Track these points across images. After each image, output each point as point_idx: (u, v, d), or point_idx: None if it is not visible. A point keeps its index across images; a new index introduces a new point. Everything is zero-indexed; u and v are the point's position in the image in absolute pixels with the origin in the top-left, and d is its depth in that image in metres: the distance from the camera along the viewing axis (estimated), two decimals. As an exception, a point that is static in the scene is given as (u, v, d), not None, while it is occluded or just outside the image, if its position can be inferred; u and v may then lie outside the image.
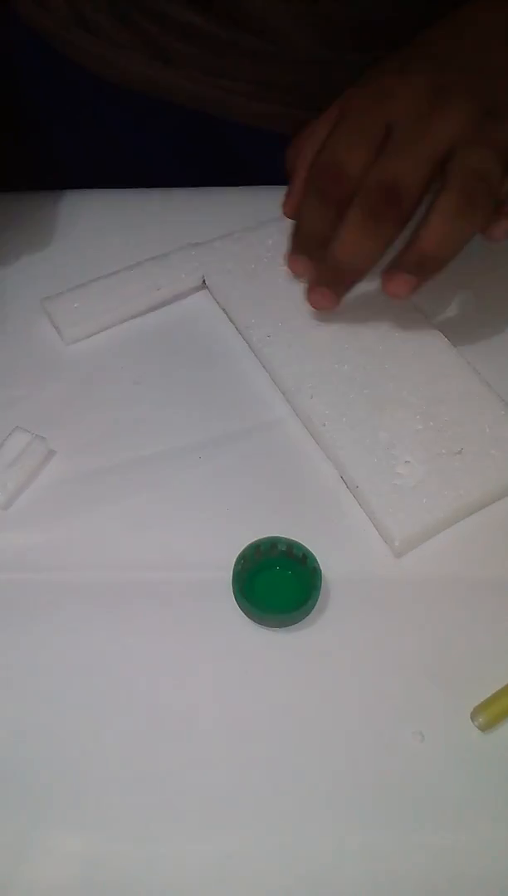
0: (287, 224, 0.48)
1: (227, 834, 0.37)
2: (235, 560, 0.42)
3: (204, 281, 0.53)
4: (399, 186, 0.41)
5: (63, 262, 0.56)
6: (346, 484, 0.45)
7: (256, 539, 0.43)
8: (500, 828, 0.37)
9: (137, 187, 0.59)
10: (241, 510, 0.45)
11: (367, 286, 0.48)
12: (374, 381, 0.48)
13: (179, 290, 0.53)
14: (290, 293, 0.51)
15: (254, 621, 0.42)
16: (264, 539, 0.43)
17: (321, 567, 0.42)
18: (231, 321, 0.52)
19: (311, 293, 0.47)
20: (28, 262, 0.56)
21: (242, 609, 0.42)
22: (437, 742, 0.39)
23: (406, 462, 0.45)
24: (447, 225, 0.42)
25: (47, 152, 0.66)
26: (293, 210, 0.47)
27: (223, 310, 0.52)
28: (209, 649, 0.41)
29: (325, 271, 0.46)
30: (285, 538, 0.43)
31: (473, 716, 0.39)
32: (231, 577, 0.42)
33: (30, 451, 0.46)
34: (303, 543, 0.42)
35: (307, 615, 0.42)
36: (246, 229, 0.54)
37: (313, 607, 0.41)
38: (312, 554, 0.42)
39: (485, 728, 0.38)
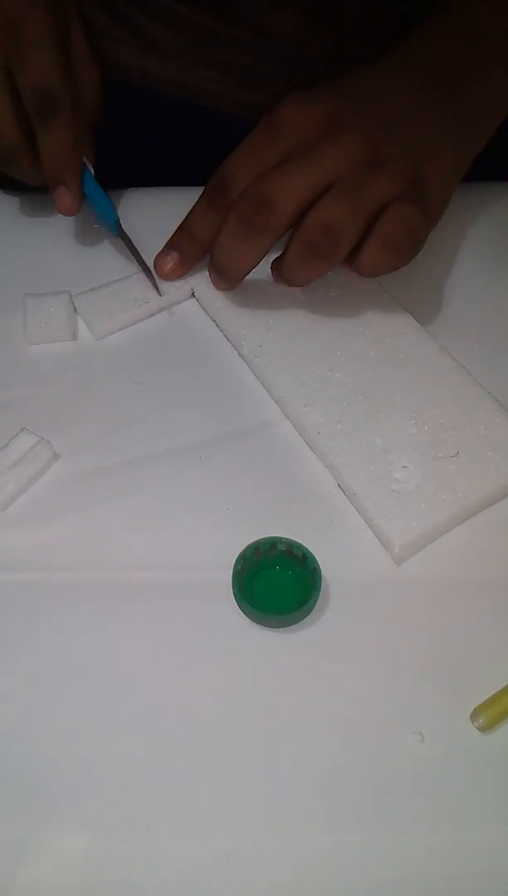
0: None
1: (227, 834, 0.37)
2: (235, 560, 0.42)
3: (193, 293, 0.54)
4: (272, 199, 0.45)
5: (64, 263, 0.56)
6: (343, 491, 0.45)
7: (256, 539, 0.43)
8: (500, 828, 0.37)
9: (126, 178, 0.59)
10: (241, 510, 0.45)
11: (359, 294, 0.49)
12: (367, 388, 0.48)
13: (168, 302, 0.53)
14: (279, 301, 0.52)
15: (254, 621, 0.42)
16: (264, 539, 0.43)
17: (321, 567, 0.42)
18: (222, 332, 0.52)
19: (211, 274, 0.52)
20: (24, 261, 0.56)
21: (242, 609, 0.42)
22: (437, 742, 0.39)
23: (403, 467, 0.45)
24: (291, 269, 0.46)
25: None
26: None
27: (214, 321, 0.53)
28: (209, 649, 0.41)
29: (211, 272, 0.52)
30: (285, 538, 0.43)
31: (473, 717, 0.39)
32: (231, 577, 0.42)
33: (33, 454, 0.46)
34: (303, 543, 0.42)
35: (307, 615, 0.42)
36: None
37: (312, 608, 0.41)
38: (312, 554, 0.42)
39: (485, 729, 0.38)
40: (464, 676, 0.40)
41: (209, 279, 0.52)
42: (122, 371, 0.51)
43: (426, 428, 0.46)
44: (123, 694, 0.40)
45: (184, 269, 0.53)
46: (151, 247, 0.54)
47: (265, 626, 0.42)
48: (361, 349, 0.50)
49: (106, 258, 0.56)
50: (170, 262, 0.52)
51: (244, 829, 0.37)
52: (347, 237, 0.45)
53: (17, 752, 0.39)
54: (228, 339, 0.52)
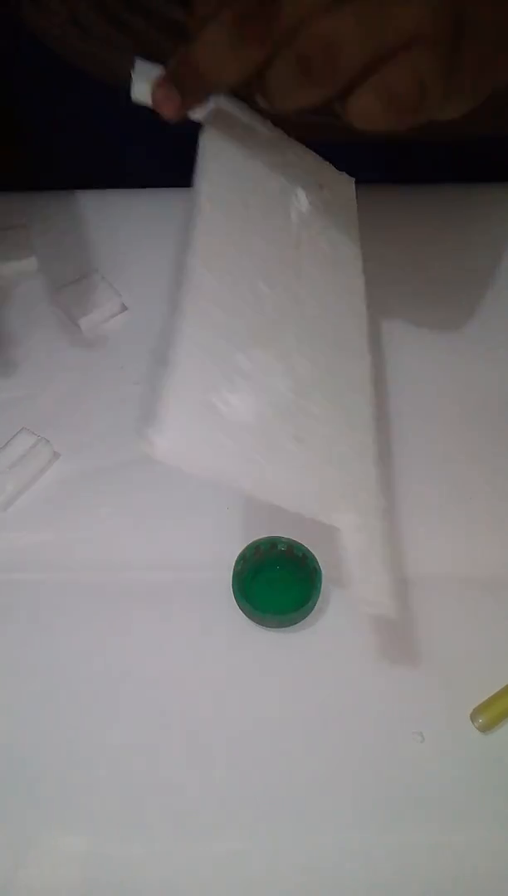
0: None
1: (227, 834, 0.37)
2: (235, 560, 0.42)
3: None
4: (279, 11, 0.36)
5: (65, 263, 0.56)
6: None
7: (256, 539, 0.43)
8: (500, 828, 0.37)
9: (134, 188, 0.58)
10: (241, 510, 0.45)
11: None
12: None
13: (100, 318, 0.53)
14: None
15: (254, 621, 0.42)
16: (264, 539, 0.43)
17: (321, 567, 0.42)
18: None
19: (159, 89, 0.42)
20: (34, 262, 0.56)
21: (242, 609, 0.42)
22: (437, 742, 0.39)
23: None
24: (275, 87, 0.37)
25: (44, 154, 0.66)
26: None
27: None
28: (209, 649, 0.41)
29: (178, 69, 0.41)
30: (285, 538, 0.43)
31: (473, 717, 0.39)
32: (231, 577, 0.42)
33: (33, 453, 0.46)
34: (303, 543, 0.42)
35: (307, 616, 0.42)
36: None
37: (312, 608, 0.41)
38: (312, 554, 0.42)
39: (485, 729, 0.38)
40: (464, 676, 0.40)
41: (156, 92, 0.42)
42: (122, 371, 0.51)
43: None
44: (122, 694, 0.40)
45: (183, 112, 0.42)
46: (149, 247, 0.53)
47: (265, 626, 0.42)
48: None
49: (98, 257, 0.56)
50: (167, 102, 0.42)
51: (244, 829, 0.37)
52: (347, 62, 0.37)
53: (18, 753, 0.39)
54: None
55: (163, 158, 0.65)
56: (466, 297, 0.54)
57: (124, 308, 0.53)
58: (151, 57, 0.59)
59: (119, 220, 0.57)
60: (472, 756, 0.38)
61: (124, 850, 0.37)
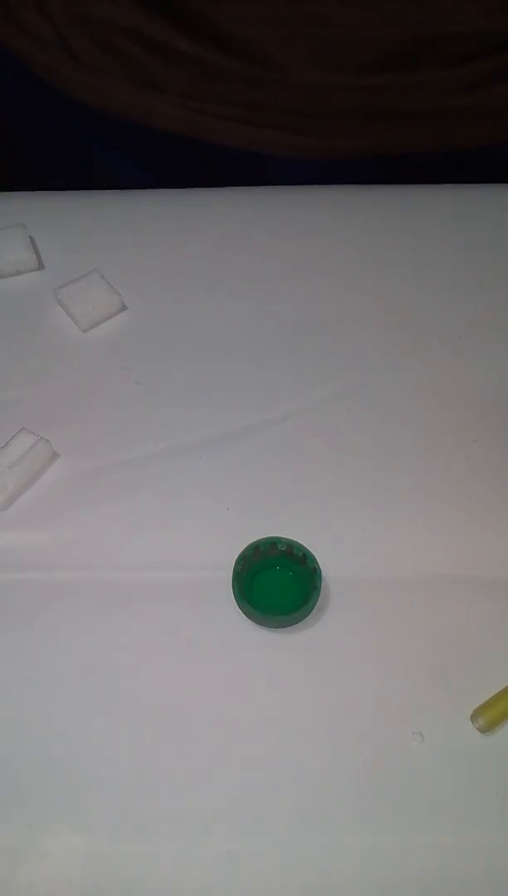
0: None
1: (227, 834, 0.37)
2: (235, 560, 0.42)
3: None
4: None
5: (65, 263, 0.56)
6: None
7: (256, 539, 0.43)
8: (500, 828, 0.37)
9: (134, 188, 0.58)
10: (241, 510, 0.45)
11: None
12: None
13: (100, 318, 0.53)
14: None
15: (254, 621, 0.42)
16: (264, 539, 0.43)
17: (321, 567, 0.42)
18: None
19: None
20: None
21: (242, 609, 0.42)
22: (437, 742, 0.39)
23: None
24: None
25: (33, 182, 0.65)
26: None
27: None
28: (209, 649, 0.41)
29: None
30: (285, 538, 0.43)
31: (473, 718, 0.39)
32: (231, 578, 0.42)
33: (33, 453, 0.46)
34: (303, 543, 0.42)
35: (307, 616, 0.42)
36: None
37: (313, 608, 0.41)
38: (312, 554, 0.42)
39: (485, 730, 0.38)
40: (464, 676, 0.40)
41: None
42: (122, 370, 0.51)
43: None
44: (122, 694, 0.40)
45: None
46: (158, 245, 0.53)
47: (265, 626, 0.42)
48: None
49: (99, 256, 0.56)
50: None
51: (244, 829, 0.37)
52: None
53: (18, 753, 0.39)
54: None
55: (154, 185, 0.64)
56: (468, 297, 0.54)
57: (124, 308, 0.53)
58: (148, 85, 0.58)
59: (119, 220, 0.57)
60: (472, 756, 0.38)
61: (124, 850, 0.37)
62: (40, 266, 0.55)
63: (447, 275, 0.55)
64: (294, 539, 0.42)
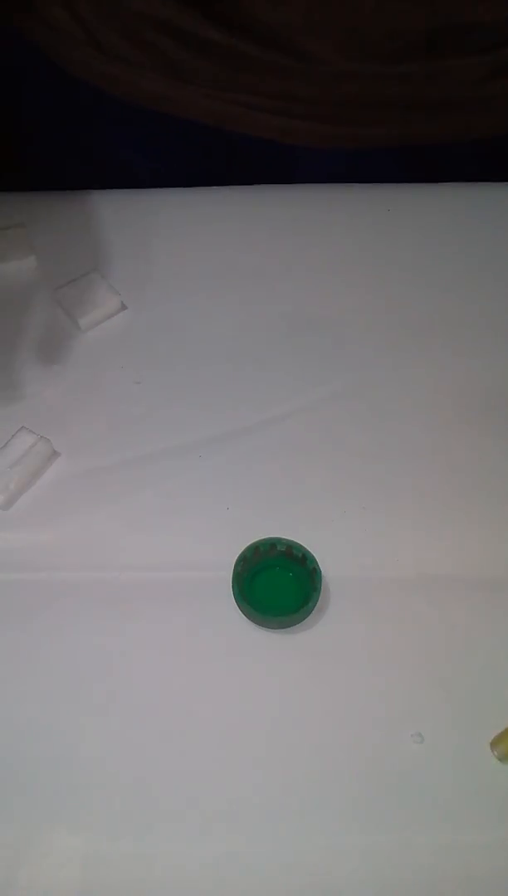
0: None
1: (227, 834, 0.37)
2: (235, 561, 0.42)
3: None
4: None
5: (65, 263, 0.56)
6: None
7: (256, 540, 0.43)
8: (500, 828, 0.37)
9: (134, 188, 0.58)
10: (241, 510, 0.45)
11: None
12: None
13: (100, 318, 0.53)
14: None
15: (254, 622, 0.42)
16: (264, 540, 0.43)
17: (321, 567, 0.42)
18: None
19: None
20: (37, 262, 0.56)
21: (242, 610, 0.42)
22: (436, 743, 0.39)
23: None
24: None
25: (56, 175, 0.65)
26: None
27: None
28: (209, 650, 0.41)
29: None
30: (285, 539, 0.43)
31: (492, 746, 0.38)
32: (231, 578, 0.42)
33: (34, 452, 0.46)
34: (303, 544, 0.42)
35: (307, 616, 0.42)
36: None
37: (312, 608, 0.41)
38: (311, 554, 0.42)
39: (505, 759, 0.38)
40: (464, 677, 0.40)
41: None
42: (122, 370, 0.51)
43: None
44: (122, 694, 0.40)
45: None
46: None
47: (265, 626, 0.42)
48: None
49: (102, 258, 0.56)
50: None
51: (244, 830, 0.37)
52: None
53: (17, 753, 0.39)
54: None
55: (181, 176, 0.64)
56: (469, 296, 0.54)
57: (124, 307, 0.53)
58: (177, 76, 0.58)
59: (119, 220, 0.57)
60: (472, 756, 0.38)
61: (124, 850, 0.37)
62: (40, 266, 0.55)
63: (448, 274, 0.55)
64: (294, 539, 0.42)
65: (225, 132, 0.61)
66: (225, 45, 0.55)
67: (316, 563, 0.42)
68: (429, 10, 0.51)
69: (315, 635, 0.42)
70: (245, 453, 0.48)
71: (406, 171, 0.59)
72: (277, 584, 0.43)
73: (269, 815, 0.37)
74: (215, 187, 0.59)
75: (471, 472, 0.47)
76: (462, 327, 0.52)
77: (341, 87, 0.57)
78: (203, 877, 0.36)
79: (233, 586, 0.42)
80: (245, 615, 0.42)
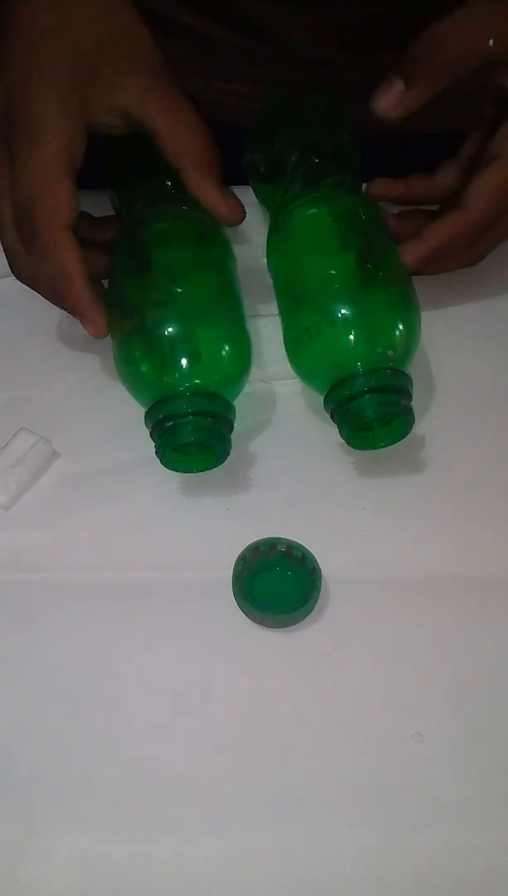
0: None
1: (227, 834, 0.37)
2: (235, 561, 0.42)
3: None
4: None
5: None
6: None
7: (256, 539, 0.43)
8: (500, 828, 0.37)
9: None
10: (241, 510, 0.45)
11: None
12: None
13: None
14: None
15: (254, 621, 0.42)
16: (264, 540, 0.43)
17: (321, 567, 0.42)
18: None
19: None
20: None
21: (242, 609, 0.42)
22: (437, 742, 0.39)
23: None
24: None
25: None
26: None
27: None
28: (209, 649, 0.41)
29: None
30: (285, 539, 0.43)
31: None
32: (231, 578, 0.42)
33: (34, 452, 0.46)
34: (303, 544, 0.42)
35: (307, 616, 0.42)
36: None
37: (312, 608, 0.41)
38: (311, 554, 0.42)
39: None
40: (464, 677, 0.40)
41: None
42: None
43: None
44: (122, 694, 0.40)
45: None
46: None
47: (265, 626, 0.42)
48: None
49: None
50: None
51: (244, 829, 0.37)
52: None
53: (17, 752, 0.39)
54: None
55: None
56: (470, 295, 0.54)
57: (124, 308, 0.53)
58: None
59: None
60: (472, 756, 0.38)
61: (124, 850, 0.37)
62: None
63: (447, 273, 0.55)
64: (294, 539, 0.42)
65: (211, 121, 0.61)
66: (198, 29, 0.56)
67: (316, 563, 0.42)
68: (400, 2, 0.51)
69: (315, 635, 0.42)
70: (245, 453, 0.48)
71: (385, 161, 0.59)
72: (277, 583, 0.43)
73: (269, 815, 0.37)
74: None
75: (471, 473, 0.47)
76: (462, 326, 0.52)
77: (312, 74, 0.57)
78: (203, 877, 0.36)
79: (233, 586, 0.42)
80: (245, 614, 0.42)
